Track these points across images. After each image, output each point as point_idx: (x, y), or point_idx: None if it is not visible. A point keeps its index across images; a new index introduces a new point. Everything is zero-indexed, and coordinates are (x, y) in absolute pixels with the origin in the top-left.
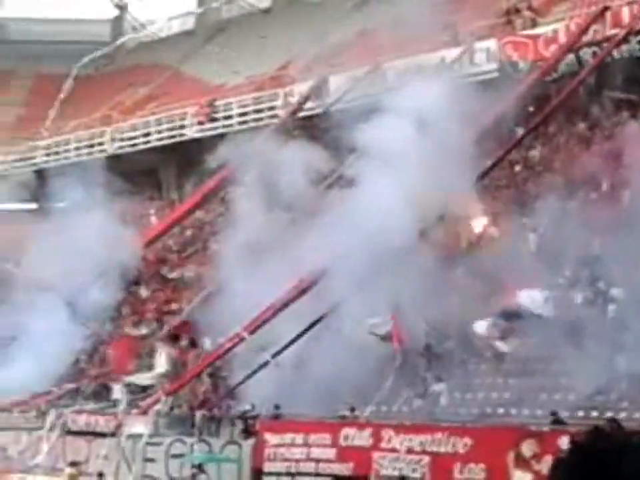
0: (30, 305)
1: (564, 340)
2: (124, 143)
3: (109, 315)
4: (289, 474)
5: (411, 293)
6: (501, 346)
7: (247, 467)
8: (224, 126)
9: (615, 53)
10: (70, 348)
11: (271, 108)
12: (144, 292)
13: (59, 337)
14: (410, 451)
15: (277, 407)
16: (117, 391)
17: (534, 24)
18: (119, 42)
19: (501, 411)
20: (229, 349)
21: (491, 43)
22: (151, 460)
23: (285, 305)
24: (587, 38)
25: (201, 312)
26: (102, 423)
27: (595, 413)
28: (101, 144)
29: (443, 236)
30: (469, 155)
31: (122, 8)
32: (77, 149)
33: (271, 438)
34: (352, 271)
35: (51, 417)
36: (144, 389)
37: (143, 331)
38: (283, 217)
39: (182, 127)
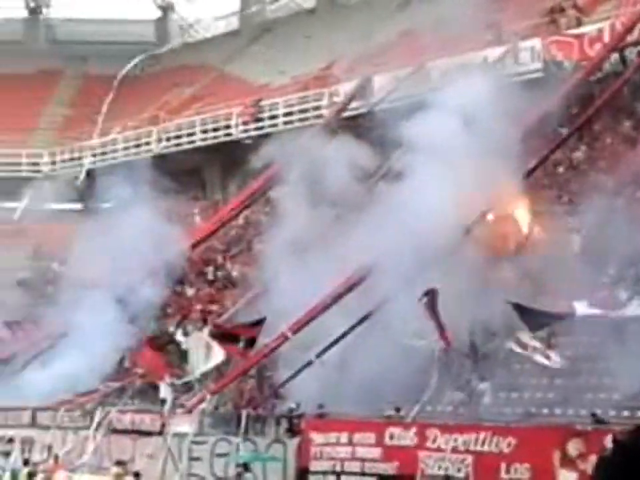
0: (77, 303)
1: (609, 339)
2: (170, 143)
3: (155, 314)
4: (334, 473)
5: (456, 291)
6: (544, 359)
7: (292, 466)
8: (269, 126)
9: None
10: (116, 346)
11: (316, 108)
12: (189, 291)
13: (106, 335)
14: (455, 450)
15: (320, 406)
16: (163, 390)
17: (579, 23)
18: (174, 42)
19: (545, 410)
20: (274, 349)
21: (536, 42)
22: (197, 459)
23: (330, 303)
24: (631, 37)
25: (246, 311)
26: (147, 421)
27: None
28: (147, 144)
29: (490, 236)
30: (514, 154)
31: (166, 9)
32: (124, 149)
33: (316, 437)
34: (397, 269)
35: (97, 416)
36: (189, 388)
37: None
38: (328, 215)
39: (227, 127)
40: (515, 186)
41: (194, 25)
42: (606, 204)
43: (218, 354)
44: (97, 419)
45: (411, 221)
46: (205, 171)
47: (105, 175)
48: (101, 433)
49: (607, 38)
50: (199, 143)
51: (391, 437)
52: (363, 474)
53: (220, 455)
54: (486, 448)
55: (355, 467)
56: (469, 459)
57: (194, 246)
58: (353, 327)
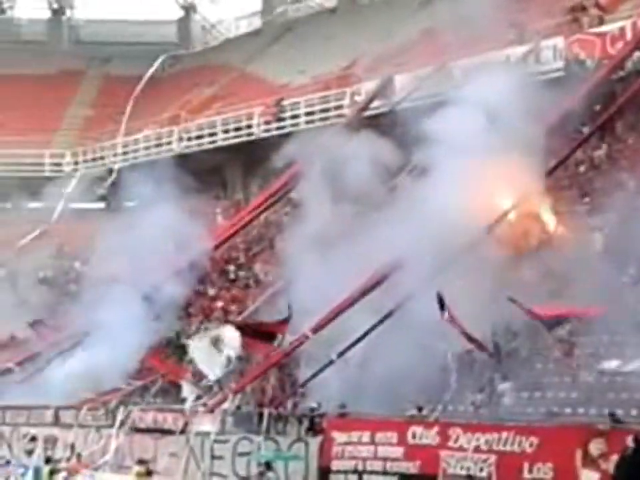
0: (100, 301)
1: (631, 338)
2: (191, 143)
3: (178, 313)
4: (356, 472)
5: (478, 290)
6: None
7: (314, 465)
8: (291, 125)
9: None
10: (140, 344)
11: (338, 107)
12: (211, 290)
13: (130, 333)
14: (477, 449)
15: (342, 405)
16: (185, 389)
17: (600, 22)
18: (197, 44)
19: (568, 410)
20: (295, 348)
21: (558, 41)
22: (219, 457)
23: (351, 303)
24: None
25: (268, 310)
26: (169, 420)
27: None
28: (168, 143)
29: (512, 234)
30: (536, 153)
31: (188, 9)
32: (146, 148)
33: (338, 436)
34: (419, 268)
35: (119, 415)
36: (211, 387)
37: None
38: (349, 213)
39: (248, 126)
40: (536, 184)
41: (216, 25)
42: (628, 203)
43: (221, 359)
44: (119, 418)
45: (433, 219)
46: (226, 171)
47: (127, 174)
48: (123, 432)
49: (629, 36)
50: (220, 143)
51: (413, 436)
52: (385, 473)
53: (242, 454)
54: (508, 447)
55: (376, 466)
56: (492, 458)
57: (217, 246)
58: (374, 326)
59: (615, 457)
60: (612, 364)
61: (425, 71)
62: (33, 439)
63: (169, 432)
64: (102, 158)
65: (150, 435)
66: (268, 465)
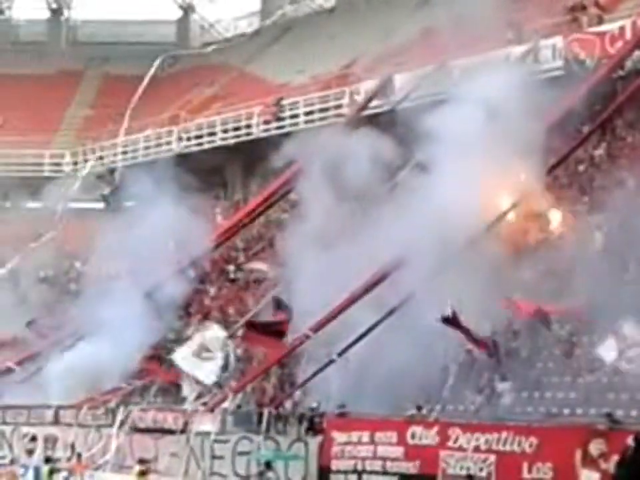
0: (100, 300)
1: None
2: (191, 142)
3: (178, 313)
4: (355, 472)
5: (478, 289)
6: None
7: (314, 465)
8: (290, 125)
9: None
10: (139, 345)
11: (337, 106)
12: (211, 290)
13: (128, 333)
14: (476, 449)
15: (342, 405)
16: (186, 388)
17: (600, 21)
18: (195, 43)
19: (567, 410)
20: (295, 347)
21: (557, 41)
22: (219, 457)
23: (352, 302)
24: None
25: (268, 309)
26: (170, 420)
27: None
28: (168, 143)
29: (512, 232)
30: (536, 151)
31: (187, 9)
32: (145, 148)
33: (338, 436)
34: (419, 267)
35: (119, 415)
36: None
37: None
38: (349, 212)
39: (248, 126)
40: (536, 183)
41: (215, 25)
42: (628, 201)
43: (213, 362)
44: (119, 418)
45: (433, 218)
46: (226, 170)
47: (127, 174)
48: (124, 432)
49: (628, 35)
50: (219, 143)
51: (413, 436)
52: (385, 473)
53: (242, 454)
54: (508, 447)
55: (376, 466)
56: (491, 458)
57: (217, 245)
58: (374, 325)
59: (614, 457)
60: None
61: (424, 71)
62: (33, 438)
63: (169, 431)
64: (101, 158)
65: (150, 435)
66: (268, 465)
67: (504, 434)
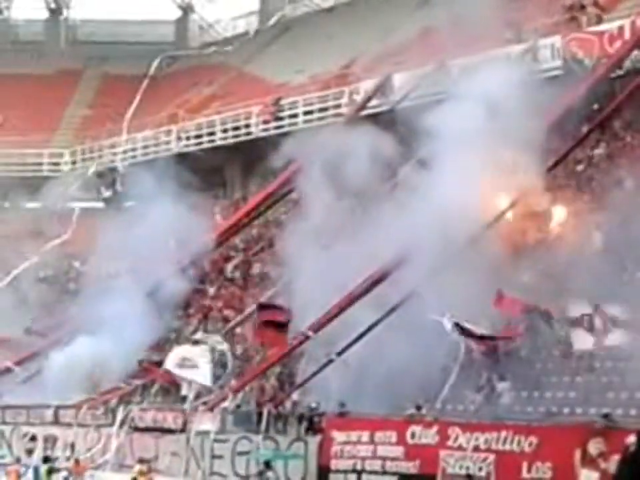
0: (99, 300)
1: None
2: (190, 142)
3: (177, 313)
4: (355, 471)
5: (477, 289)
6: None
7: (314, 464)
8: (289, 124)
9: None
10: (138, 344)
11: (337, 106)
12: (210, 290)
13: (128, 332)
14: (476, 449)
15: (342, 404)
16: (185, 388)
17: (599, 20)
18: (194, 43)
19: (566, 410)
20: (295, 347)
21: (556, 40)
22: (218, 457)
23: (352, 301)
24: None
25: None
26: (169, 419)
27: None
28: (167, 143)
29: (511, 231)
30: (535, 151)
31: (186, 9)
32: (144, 147)
33: (337, 435)
34: (418, 267)
35: (119, 414)
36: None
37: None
38: (348, 211)
39: (247, 125)
40: (536, 182)
41: (214, 25)
42: (627, 201)
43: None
44: (119, 417)
45: (432, 218)
46: (225, 170)
47: (126, 174)
48: (124, 431)
49: (627, 35)
50: (218, 142)
51: (412, 436)
52: (384, 472)
53: (241, 453)
54: (507, 447)
55: (376, 465)
56: (491, 457)
57: (218, 245)
58: (372, 326)
59: (614, 457)
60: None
61: (423, 70)
62: (33, 438)
63: (168, 431)
64: (100, 157)
65: (150, 434)
66: (267, 464)
67: (503, 433)
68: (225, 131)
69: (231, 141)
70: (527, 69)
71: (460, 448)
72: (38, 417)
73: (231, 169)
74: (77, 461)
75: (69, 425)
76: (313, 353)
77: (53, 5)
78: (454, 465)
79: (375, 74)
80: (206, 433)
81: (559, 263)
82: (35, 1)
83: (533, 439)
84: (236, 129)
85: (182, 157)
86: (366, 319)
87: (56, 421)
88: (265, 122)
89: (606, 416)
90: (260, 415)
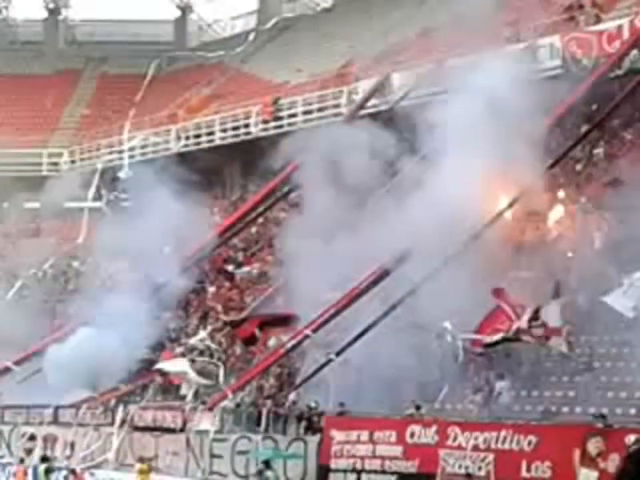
0: (98, 299)
1: (630, 337)
2: (189, 142)
3: (176, 313)
4: (354, 470)
5: (475, 288)
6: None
7: (313, 464)
8: (288, 124)
9: None
10: (137, 343)
11: (336, 106)
12: (210, 289)
13: (128, 331)
14: (475, 448)
15: (341, 404)
16: (184, 387)
17: (597, 20)
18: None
19: (565, 409)
20: (294, 347)
21: (554, 40)
22: (218, 456)
23: (350, 302)
24: None
25: (266, 308)
26: (169, 419)
27: None
28: (166, 142)
29: (510, 231)
30: (534, 150)
31: (185, 8)
32: (143, 147)
33: (337, 435)
34: (416, 267)
35: (119, 414)
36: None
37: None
38: (346, 213)
39: (246, 125)
40: (535, 182)
41: (212, 24)
42: (626, 200)
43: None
44: (119, 416)
45: (431, 217)
46: (224, 170)
47: (125, 173)
48: (124, 430)
49: (626, 35)
50: (218, 142)
51: (412, 435)
52: (384, 472)
53: (241, 453)
54: (507, 446)
55: (375, 464)
56: (490, 457)
57: (216, 245)
58: (371, 325)
59: (614, 456)
60: None
61: (422, 69)
62: (32, 437)
63: (168, 430)
64: (98, 156)
65: (150, 433)
66: (267, 464)
67: (502, 433)
68: (224, 130)
69: (230, 140)
70: (525, 69)
71: (459, 447)
72: (37, 416)
73: (230, 169)
74: (73, 472)
75: (69, 424)
76: (312, 352)
77: (51, 5)
78: (453, 464)
79: (373, 73)
80: (205, 432)
81: (558, 262)
82: (34, 1)
83: (532, 438)
84: (235, 128)
85: (181, 157)
86: (365, 318)
87: (55, 421)
88: (264, 121)
89: (602, 416)
90: (259, 414)
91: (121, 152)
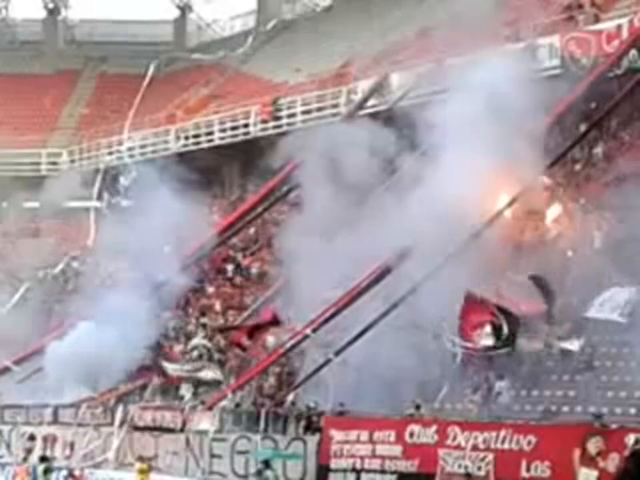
0: (97, 299)
1: (630, 337)
2: (188, 142)
3: (175, 313)
4: (354, 470)
5: (475, 288)
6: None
7: (313, 463)
8: (287, 124)
9: None
10: (137, 342)
11: (335, 105)
12: (209, 289)
13: (127, 331)
14: (475, 448)
15: (341, 404)
16: (184, 387)
17: (597, 19)
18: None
19: (565, 408)
20: (293, 346)
21: (553, 39)
22: (217, 456)
23: (349, 302)
24: None
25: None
26: (168, 419)
27: None
28: (165, 142)
29: (510, 230)
30: (533, 150)
31: (184, 8)
32: (142, 147)
33: (336, 434)
34: (415, 266)
35: (119, 413)
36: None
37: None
38: (345, 212)
39: (245, 125)
40: (534, 181)
41: (211, 24)
42: (625, 200)
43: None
44: (118, 416)
45: (430, 216)
46: (223, 169)
47: (124, 173)
48: (123, 430)
49: (625, 34)
50: (217, 142)
51: (411, 435)
52: (383, 471)
53: (240, 453)
54: (506, 446)
55: (375, 464)
56: (490, 456)
57: (217, 244)
58: (370, 325)
59: (614, 455)
60: None
61: (421, 69)
62: (32, 437)
63: (168, 430)
64: (97, 156)
65: (150, 433)
66: (266, 464)
67: (502, 432)
68: (223, 130)
69: (229, 140)
70: (524, 68)
71: (459, 447)
72: (37, 416)
73: (229, 169)
74: (73, 473)
75: (69, 424)
76: (312, 352)
77: (50, 5)
78: (453, 464)
79: (372, 73)
80: (205, 432)
81: (558, 261)
82: (33, 1)
83: (532, 438)
84: (234, 128)
85: (180, 157)
86: (365, 317)
87: (55, 421)
88: (263, 121)
89: (599, 416)
90: (259, 414)
91: (120, 152)
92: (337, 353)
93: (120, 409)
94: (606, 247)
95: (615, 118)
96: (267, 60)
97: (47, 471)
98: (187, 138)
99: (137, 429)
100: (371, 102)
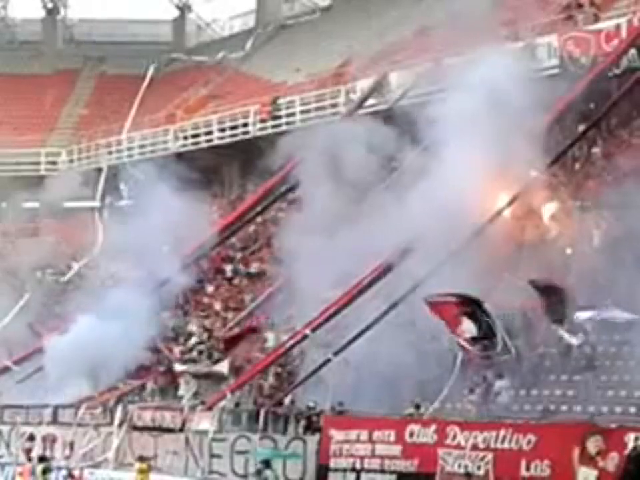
0: (97, 298)
1: (630, 336)
2: (187, 141)
3: (174, 312)
4: (353, 470)
5: (475, 288)
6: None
7: (312, 463)
8: (286, 123)
9: None
10: (138, 339)
11: (334, 105)
12: (209, 288)
13: (127, 330)
14: (474, 447)
15: (340, 403)
16: (183, 387)
17: (596, 19)
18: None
19: (564, 408)
20: (293, 346)
21: (552, 39)
22: (217, 456)
23: (348, 302)
24: None
25: (266, 307)
26: (168, 418)
27: None
28: (164, 142)
29: (509, 229)
30: (533, 149)
31: (183, 8)
32: (142, 147)
33: (336, 434)
34: (415, 266)
35: (118, 413)
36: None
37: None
38: (345, 212)
39: (244, 125)
40: (533, 180)
41: (211, 24)
42: (625, 199)
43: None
44: (118, 416)
45: (430, 216)
46: (223, 169)
47: (123, 173)
48: (123, 430)
49: (624, 34)
50: (216, 141)
51: (411, 435)
52: (383, 471)
53: (240, 452)
54: (506, 445)
55: (374, 464)
56: (489, 456)
57: (216, 243)
58: (370, 324)
59: (613, 455)
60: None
61: (419, 68)
62: (31, 437)
63: (167, 430)
64: (96, 156)
65: (149, 433)
66: (266, 463)
67: (502, 432)
68: (222, 130)
69: (229, 140)
70: (523, 67)
71: (458, 446)
72: (36, 416)
73: (229, 168)
74: (72, 473)
75: (68, 424)
76: (311, 351)
77: (50, 5)
78: (452, 464)
79: (371, 72)
80: (204, 432)
81: (558, 260)
82: (32, 1)
83: (531, 437)
84: (233, 128)
85: (180, 157)
86: (365, 316)
87: (55, 421)
88: (263, 121)
89: (593, 416)
90: (258, 414)
91: (119, 152)
92: (337, 353)
93: (119, 408)
94: (605, 245)
95: (614, 117)
96: (266, 60)
97: (45, 471)
98: (186, 138)
99: (136, 428)
100: (370, 101)
